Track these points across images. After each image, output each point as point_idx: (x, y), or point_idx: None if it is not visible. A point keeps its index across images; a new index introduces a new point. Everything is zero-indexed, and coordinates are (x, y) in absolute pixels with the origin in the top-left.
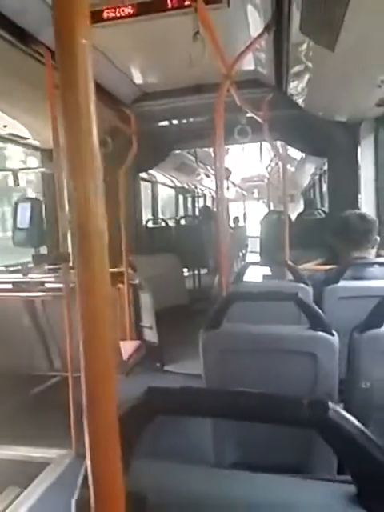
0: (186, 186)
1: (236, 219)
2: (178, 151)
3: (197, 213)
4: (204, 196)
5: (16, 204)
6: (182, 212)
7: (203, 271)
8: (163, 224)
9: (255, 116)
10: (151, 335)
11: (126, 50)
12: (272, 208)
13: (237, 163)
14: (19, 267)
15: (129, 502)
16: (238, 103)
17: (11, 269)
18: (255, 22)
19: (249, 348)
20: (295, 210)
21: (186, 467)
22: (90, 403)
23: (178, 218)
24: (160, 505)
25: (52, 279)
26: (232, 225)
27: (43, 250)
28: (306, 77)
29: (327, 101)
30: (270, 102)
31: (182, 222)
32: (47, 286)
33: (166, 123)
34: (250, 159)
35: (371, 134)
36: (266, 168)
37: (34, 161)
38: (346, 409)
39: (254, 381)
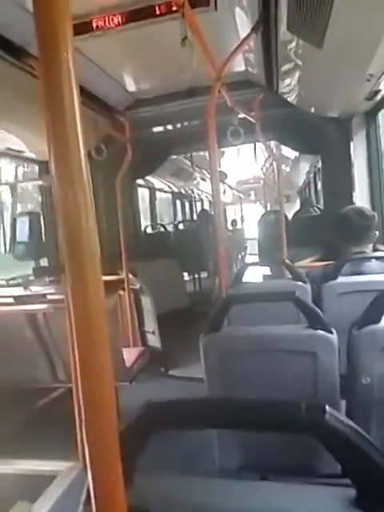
0: (183, 191)
1: (234, 222)
2: (174, 156)
3: (195, 217)
4: (201, 200)
5: (14, 218)
6: (180, 217)
7: (203, 275)
8: (162, 229)
9: (248, 116)
10: (154, 340)
11: (117, 57)
12: (269, 209)
13: (232, 166)
14: (20, 281)
15: None
16: (230, 104)
17: (12, 282)
18: (243, 23)
19: (249, 350)
20: (292, 209)
21: (188, 479)
22: (89, 417)
23: (176, 222)
24: None
25: (53, 291)
26: (230, 228)
27: (44, 262)
28: (296, 74)
29: (318, 97)
30: (262, 102)
31: (181, 226)
32: (48, 297)
33: (160, 129)
34: (245, 162)
35: (363, 129)
36: (261, 169)
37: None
38: (348, 405)
39: (256, 382)
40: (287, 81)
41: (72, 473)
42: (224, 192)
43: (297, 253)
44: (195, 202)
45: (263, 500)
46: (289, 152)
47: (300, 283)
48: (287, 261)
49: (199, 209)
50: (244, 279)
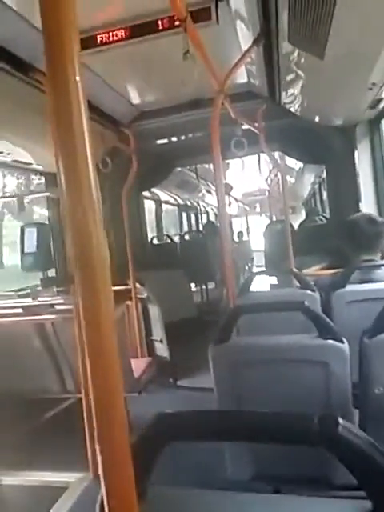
0: (188, 203)
1: (240, 234)
2: (179, 169)
3: (200, 229)
4: (207, 213)
5: (22, 229)
6: (185, 228)
7: (210, 286)
8: (168, 240)
9: (251, 127)
10: (162, 350)
11: (122, 71)
12: (274, 220)
13: (237, 179)
14: (28, 291)
15: None
16: (233, 116)
17: (20, 293)
18: (245, 36)
19: (259, 360)
20: (297, 221)
21: (201, 492)
22: (101, 427)
23: (182, 234)
24: None
25: (61, 301)
26: (236, 240)
27: (51, 272)
28: (298, 85)
29: (321, 107)
30: (265, 113)
31: (187, 237)
32: (57, 308)
33: (165, 141)
34: (249, 174)
35: (367, 137)
36: (266, 180)
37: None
38: (361, 415)
39: (267, 392)
40: (290, 91)
41: (82, 484)
42: (230, 204)
43: (303, 261)
44: (201, 214)
45: None
46: (293, 163)
47: (309, 292)
48: (295, 269)
49: (205, 221)
50: (251, 289)
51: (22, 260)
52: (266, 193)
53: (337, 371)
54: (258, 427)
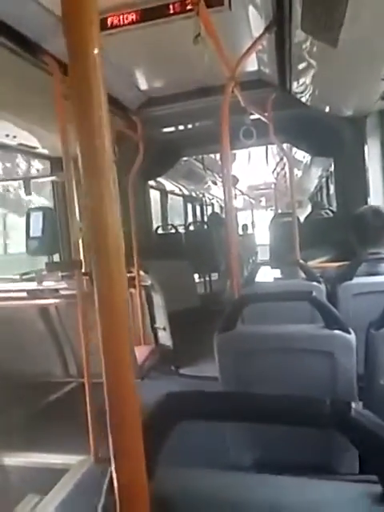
0: (194, 194)
1: (245, 227)
2: (185, 159)
3: (205, 220)
4: (212, 204)
5: (28, 213)
6: (190, 219)
7: (214, 277)
8: (173, 231)
9: (261, 117)
10: (165, 338)
11: (130, 55)
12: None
13: (243, 172)
14: (33, 275)
15: (154, 508)
16: (243, 104)
17: (25, 277)
18: (257, 23)
19: (264, 348)
20: (303, 215)
21: (211, 472)
22: (112, 408)
23: (187, 224)
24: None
25: (65, 286)
26: (241, 232)
27: (56, 257)
28: (310, 74)
29: (331, 97)
30: (275, 102)
31: (192, 228)
32: (61, 292)
33: (172, 129)
34: (255, 167)
35: (377, 128)
36: (273, 172)
37: None
38: (365, 406)
39: (271, 381)
40: (300, 80)
41: (83, 467)
42: (235, 197)
43: (309, 254)
44: (206, 205)
45: (286, 493)
46: (301, 156)
47: (315, 283)
48: (301, 261)
49: (210, 212)
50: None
51: (27, 244)
52: (272, 186)
53: (343, 362)
54: (269, 409)
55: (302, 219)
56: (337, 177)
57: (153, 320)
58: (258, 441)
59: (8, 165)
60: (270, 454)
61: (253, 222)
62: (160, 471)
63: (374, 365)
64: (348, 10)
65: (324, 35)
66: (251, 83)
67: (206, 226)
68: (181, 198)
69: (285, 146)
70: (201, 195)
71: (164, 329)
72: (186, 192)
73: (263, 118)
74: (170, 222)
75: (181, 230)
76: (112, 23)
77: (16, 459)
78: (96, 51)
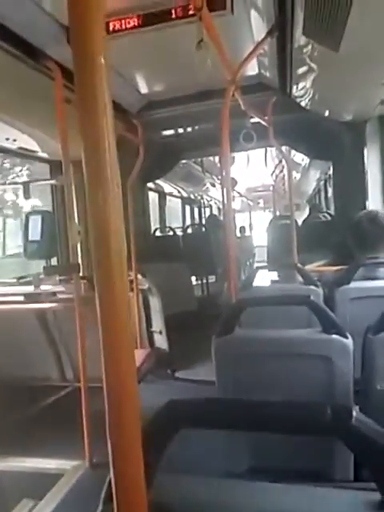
0: (192, 196)
1: (242, 229)
2: (184, 161)
3: (203, 222)
4: (210, 206)
5: (27, 216)
6: (188, 221)
7: (211, 279)
8: (171, 233)
9: (261, 120)
10: (161, 341)
11: (131, 59)
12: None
13: (242, 174)
14: (30, 279)
15: None
16: (243, 108)
17: (22, 281)
18: (259, 27)
19: (262, 353)
20: (301, 217)
21: (209, 480)
22: (112, 414)
23: (184, 227)
24: None
25: (63, 289)
26: (238, 234)
27: (54, 260)
28: (311, 78)
29: (332, 101)
30: (275, 106)
31: (189, 231)
32: (59, 296)
33: (172, 132)
34: (254, 169)
35: (377, 134)
36: (271, 175)
37: None
38: (361, 411)
39: (269, 386)
40: (301, 84)
41: (78, 472)
42: (233, 199)
43: (306, 258)
44: (204, 207)
45: (285, 502)
46: (299, 159)
47: (312, 287)
48: (299, 265)
49: (208, 214)
50: (252, 284)
51: (25, 247)
52: (271, 188)
53: (340, 366)
54: (270, 417)
55: (300, 222)
56: (335, 180)
57: (149, 323)
58: (254, 447)
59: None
60: (267, 460)
61: (250, 224)
62: (159, 478)
63: (371, 369)
64: (350, 15)
65: (326, 40)
66: (252, 87)
67: (203, 229)
68: (179, 201)
69: (284, 148)
70: (199, 197)
71: (160, 332)
72: (185, 194)
73: (263, 122)
74: (168, 225)
75: (179, 232)
76: (114, 28)
77: (11, 464)
78: (102, 60)
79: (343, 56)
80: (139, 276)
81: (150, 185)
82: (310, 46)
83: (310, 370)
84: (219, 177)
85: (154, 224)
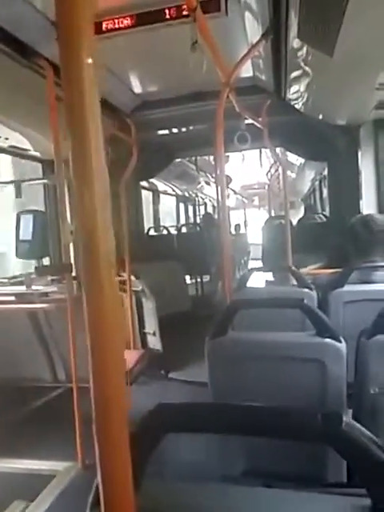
0: (186, 194)
1: (237, 226)
2: (178, 160)
3: (198, 220)
4: (205, 204)
5: (18, 215)
6: (183, 220)
7: (206, 278)
8: (165, 232)
9: (255, 122)
10: (155, 342)
11: (125, 59)
12: (273, 214)
13: (237, 171)
14: (22, 279)
15: None
16: (238, 110)
17: (14, 280)
18: (253, 30)
19: (255, 355)
20: (296, 216)
21: (198, 485)
22: (99, 417)
23: (179, 225)
24: None
25: (55, 290)
26: (233, 232)
27: (46, 260)
28: (305, 82)
29: (326, 105)
30: (270, 108)
31: (184, 229)
32: (50, 296)
33: (166, 132)
34: (249, 167)
35: (371, 137)
36: (266, 174)
37: None
38: (354, 415)
39: (262, 389)
40: (295, 87)
41: (70, 473)
42: (228, 196)
43: (301, 259)
44: (198, 205)
45: (274, 507)
46: (294, 158)
47: (306, 290)
48: (293, 267)
49: (203, 212)
50: (247, 284)
51: (16, 247)
52: (266, 187)
53: (333, 370)
54: (260, 421)
55: (295, 221)
56: (330, 182)
57: (142, 325)
58: (249, 450)
59: None
60: (261, 464)
61: (245, 222)
62: (147, 482)
63: (364, 373)
64: (345, 20)
65: (320, 44)
66: (246, 89)
67: (198, 228)
68: (173, 199)
69: (279, 149)
70: (194, 195)
71: (154, 334)
72: (179, 192)
73: (258, 124)
74: (162, 223)
75: (173, 231)
76: (107, 27)
77: (2, 465)
78: (89, 61)
79: (337, 60)
80: (132, 277)
81: (144, 183)
82: (304, 50)
83: (304, 373)
84: (213, 175)
85: (148, 223)
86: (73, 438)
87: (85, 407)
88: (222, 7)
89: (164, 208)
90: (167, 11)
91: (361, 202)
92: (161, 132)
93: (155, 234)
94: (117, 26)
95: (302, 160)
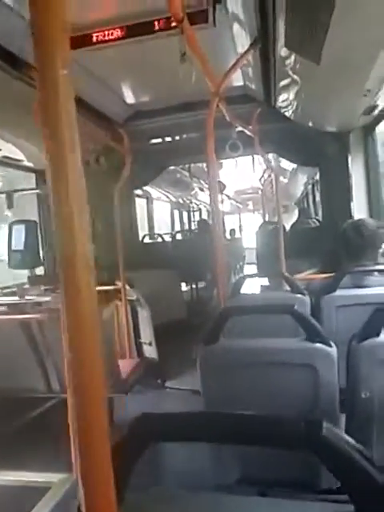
0: (181, 201)
1: (232, 231)
2: (172, 167)
3: (193, 227)
4: (199, 210)
5: (10, 226)
6: (178, 227)
7: (201, 285)
8: (159, 239)
9: (246, 130)
10: (151, 351)
11: (117, 70)
12: (267, 219)
13: (230, 176)
14: (15, 289)
15: None
16: (228, 119)
17: (6, 290)
18: (241, 40)
19: (247, 362)
20: (290, 220)
21: (192, 494)
22: (81, 430)
23: (173, 232)
24: None
25: (48, 299)
26: (228, 237)
27: (39, 270)
28: (294, 90)
29: (315, 112)
30: (260, 116)
31: (178, 236)
32: (44, 306)
33: (159, 140)
34: (243, 172)
35: (360, 143)
36: (259, 180)
37: None
38: (347, 420)
39: (254, 395)
40: (285, 96)
41: (65, 485)
42: (222, 202)
43: (295, 264)
44: (193, 211)
45: None
46: (287, 164)
47: (299, 295)
48: (286, 274)
49: (197, 219)
50: (243, 290)
51: (9, 257)
52: (259, 192)
53: (324, 375)
54: (241, 429)
55: (288, 226)
56: (322, 187)
57: (137, 335)
58: (241, 459)
59: None
60: (253, 472)
61: (240, 226)
62: (132, 492)
63: (355, 377)
64: (330, 28)
65: (307, 52)
66: (237, 98)
67: (192, 234)
68: (168, 206)
69: (271, 156)
70: (188, 202)
71: (149, 343)
72: (173, 199)
73: (249, 132)
74: (157, 231)
75: (167, 238)
76: (97, 39)
77: None
78: (64, 72)
79: (325, 68)
80: (127, 287)
81: (138, 191)
82: (292, 58)
83: (296, 379)
84: (207, 181)
85: (143, 231)
86: (68, 449)
87: None
88: (210, 18)
89: (159, 215)
90: (156, 23)
91: (352, 207)
92: (153, 141)
93: (150, 241)
94: (107, 37)
95: (294, 165)
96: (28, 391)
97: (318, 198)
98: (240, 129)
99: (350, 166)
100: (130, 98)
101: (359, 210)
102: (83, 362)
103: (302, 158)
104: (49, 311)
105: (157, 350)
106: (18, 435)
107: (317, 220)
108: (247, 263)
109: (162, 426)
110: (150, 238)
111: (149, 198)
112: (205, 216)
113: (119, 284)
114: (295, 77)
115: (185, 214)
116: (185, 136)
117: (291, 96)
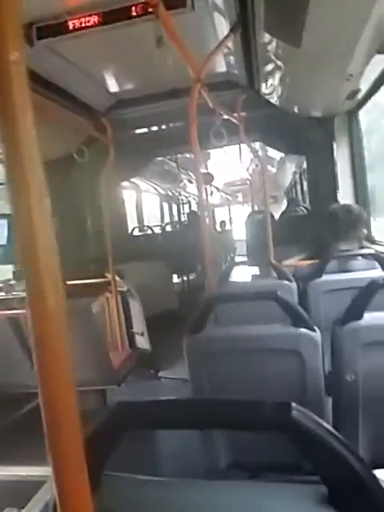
0: (169, 193)
1: (222, 223)
2: (159, 158)
3: (182, 219)
4: (189, 202)
5: None
6: (167, 218)
7: (192, 276)
8: (149, 231)
9: (230, 118)
10: (143, 342)
11: (97, 58)
12: (256, 209)
13: (219, 168)
14: (0, 285)
15: None
16: (211, 106)
17: None
18: (221, 24)
19: (232, 349)
20: (279, 210)
21: (171, 480)
22: (50, 424)
23: (163, 224)
24: None
25: None
26: (219, 229)
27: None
28: (277, 75)
29: (299, 97)
30: (245, 103)
31: (168, 228)
32: None
33: (144, 130)
34: (231, 164)
35: (345, 128)
36: (247, 170)
37: None
38: (334, 403)
39: (241, 382)
40: (269, 81)
41: None
42: (211, 194)
43: (284, 252)
44: (182, 204)
45: (232, 499)
46: (274, 153)
47: (285, 282)
48: (273, 261)
49: (187, 211)
50: (233, 279)
51: None
52: (248, 182)
53: (309, 359)
54: (212, 414)
55: (277, 215)
56: (309, 174)
57: (129, 325)
58: (232, 444)
59: None
60: (243, 457)
61: (230, 218)
62: (107, 480)
63: (339, 361)
64: (309, 10)
65: (287, 36)
66: (220, 84)
67: (182, 226)
68: (157, 198)
69: (258, 144)
70: (177, 194)
71: (142, 334)
72: (162, 191)
73: (233, 119)
74: (147, 223)
75: (157, 230)
76: (74, 26)
77: None
78: (15, 56)
79: (306, 52)
80: (117, 278)
81: (126, 183)
82: (273, 43)
83: (282, 364)
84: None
85: (133, 223)
86: None
87: None
88: (188, 2)
89: (148, 209)
90: (133, 8)
91: (338, 193)
92: (138, 131)
93: (140, 234)
94: (84, 24)
95: (282, 154)
96: (17, 386)
97: (305, 187)
98: (226, 117)
99: (335, 151)
100: (112, 87)
101: (345, 196)
102: (48, 354)
103: (288, 145)
104: None
105: (149, 341)
106: (10, 431)
107: (305, 208)
108: (239, 255)
109: (137, 413)
110: (139, 231)
111: (137, 191)
112: (195, 208)
113: (109, 276)
114: (278, 62)
115: (174, 207)
116: (170, 125)
117: (275, 82)
